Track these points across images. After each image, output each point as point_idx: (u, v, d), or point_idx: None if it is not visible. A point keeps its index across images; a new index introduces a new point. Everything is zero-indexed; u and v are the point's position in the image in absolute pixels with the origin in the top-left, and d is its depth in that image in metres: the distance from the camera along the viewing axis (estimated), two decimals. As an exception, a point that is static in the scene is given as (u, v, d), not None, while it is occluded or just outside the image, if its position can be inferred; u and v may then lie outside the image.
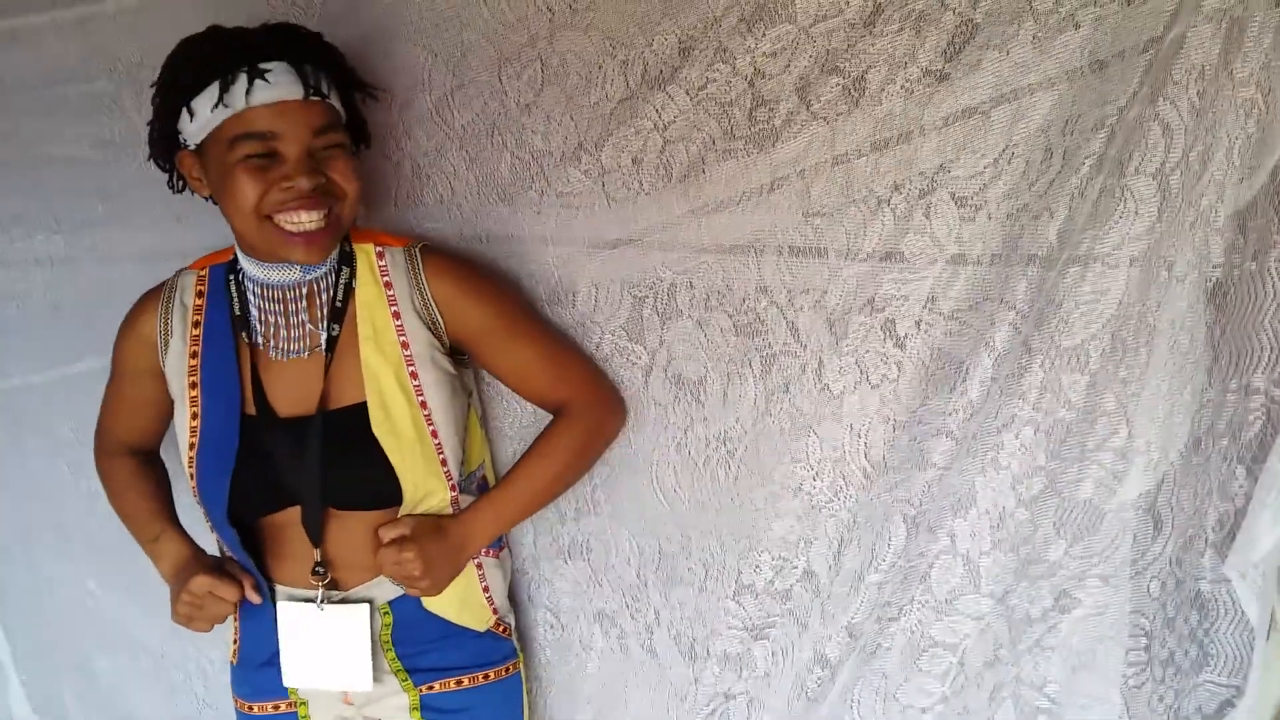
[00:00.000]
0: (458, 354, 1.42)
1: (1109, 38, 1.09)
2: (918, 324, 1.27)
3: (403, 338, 1.34)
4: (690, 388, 1.44)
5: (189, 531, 1.52)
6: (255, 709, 1.51)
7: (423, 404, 1.34)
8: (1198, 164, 1.05)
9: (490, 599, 1.50)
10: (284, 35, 1.25)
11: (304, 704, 1.49)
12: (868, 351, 1.30)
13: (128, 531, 1.54)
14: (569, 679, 1.69)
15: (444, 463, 1.37)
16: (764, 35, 1.24)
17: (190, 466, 1.37)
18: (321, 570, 1.38)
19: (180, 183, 1.37)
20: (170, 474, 1.60)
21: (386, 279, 1.35)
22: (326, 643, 1.40)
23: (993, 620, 1.30)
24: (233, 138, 1.21)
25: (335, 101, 1.28)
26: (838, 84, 1.22)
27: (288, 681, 1.43)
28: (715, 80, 1.28)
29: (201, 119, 1.23)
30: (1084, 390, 1.17)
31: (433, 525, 1.38)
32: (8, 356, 1.86)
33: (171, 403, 1.42)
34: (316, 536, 1.36)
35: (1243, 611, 1.09)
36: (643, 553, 1.56)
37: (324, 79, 1.25)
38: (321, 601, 1.38)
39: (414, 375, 1.34)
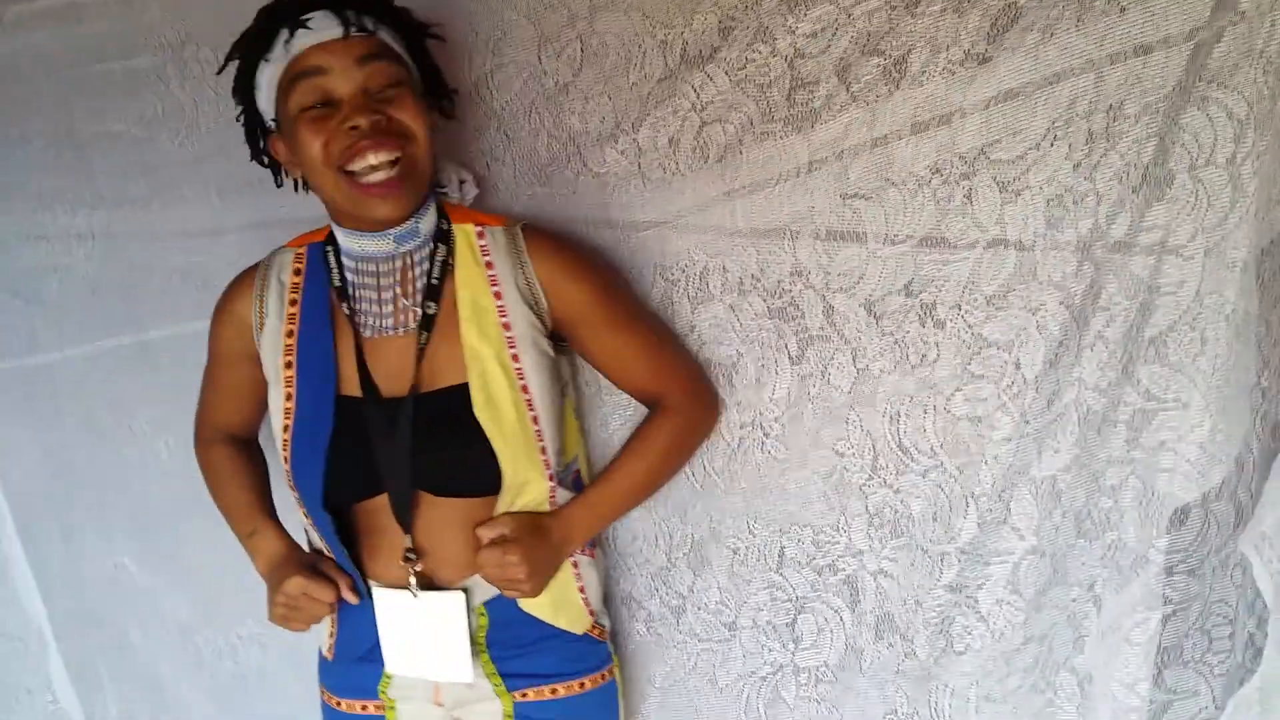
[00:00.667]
0: (557, 339, 1.38)
1: (1153, 23, 1.08)
2: (958, 307, 1.26)
3: (504, 319, 1.29)
4: (723, 372, 1.44)
5: (288, 526, 1.49)
6: (343, 705, 1.47)
7: (524, 387, 1.29)
8: (1268, 154, 1.05)
9: (586, 600, 1.45)
10: None
11: (392, 707, 1.45)
12: (906, 334, 1.30)
13: (226, 524, 1.52)
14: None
15: (543, 450, 1.32)
16: (804, 15, 1.24)
17: (285, 450, 1.33)
18: (412, 556, 1.33)
19: (282, 172, 1.36)
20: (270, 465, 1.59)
21: (488, 258, 1.31)
22: (424, 631, 1.36)
23: (1073, 604, 1.31)
24: (286, 85, 1.20)
25: (392, 43, 1.24)
26: (878, 65, 1.22)
27: (390, 668, 1.40)
28: (754, 61, 1.28)
29: (263, 87, 1.23)
30: (1164, 381, 1.17)
31: (532, 523, 1.34)
32: (46, 330, 1.87)
33: (266, 386, 1.40)
34: (406, 522, 1.32)
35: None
36: (671, 537, 1.57)
37: (370, 19, 1.21)
38: (414, 589, 1.33)
39: (515, 358, 1.29)
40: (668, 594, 1.59)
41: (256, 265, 1.41)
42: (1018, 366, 1.25)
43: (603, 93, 1.39)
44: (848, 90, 1.24)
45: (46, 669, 2.13)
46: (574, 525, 1.38)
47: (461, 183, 1.43)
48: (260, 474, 1.54)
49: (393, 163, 1.20)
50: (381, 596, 1.36)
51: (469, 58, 1.48)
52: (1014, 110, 1.17)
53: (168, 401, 1.85)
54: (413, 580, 1.34)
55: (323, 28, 1.18)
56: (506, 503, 1.33)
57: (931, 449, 1.34)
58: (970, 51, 1.17)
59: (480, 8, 1.45)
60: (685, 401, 1.41)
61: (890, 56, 1.21)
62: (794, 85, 1.27)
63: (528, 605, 1.38)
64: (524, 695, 1.41)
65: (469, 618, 1.36)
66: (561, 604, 1.41)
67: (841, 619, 1.48)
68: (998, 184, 1.20)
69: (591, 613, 1.46)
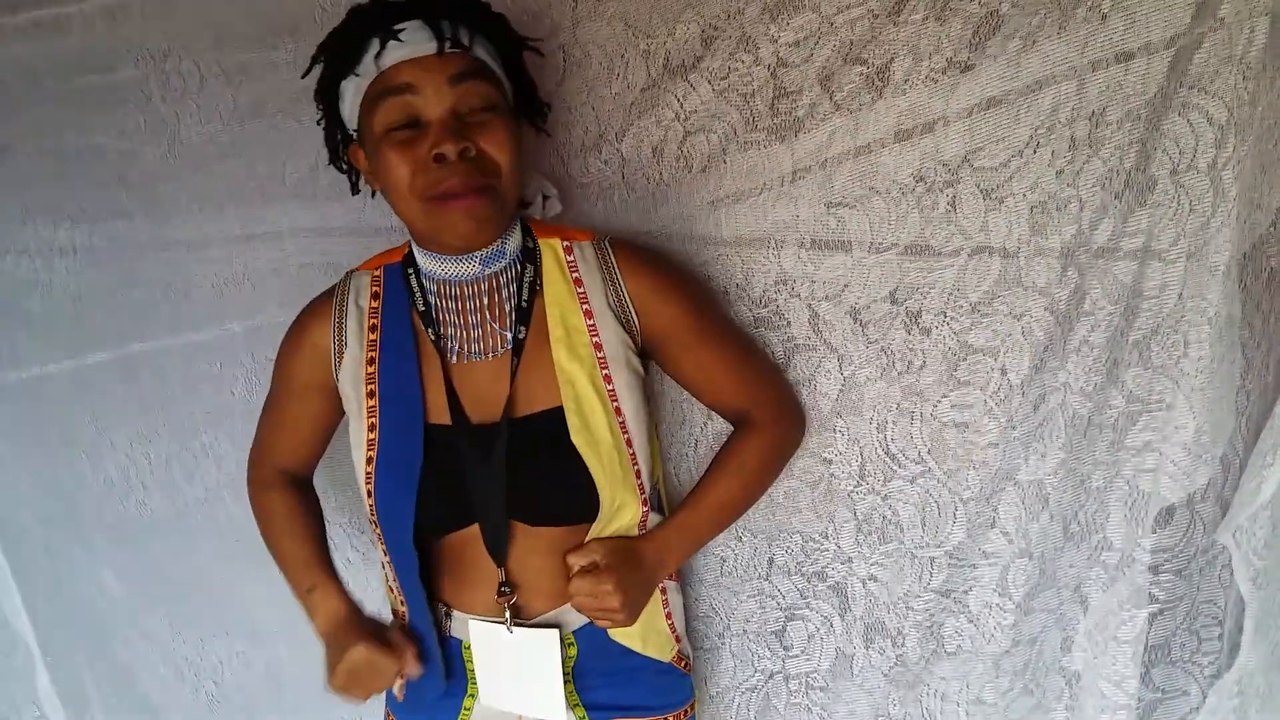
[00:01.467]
0: (643, 356, 1.31)
1: (1134, 30, 1.09)
2: (943, 314, 1.27)
3: (596, 338, 1.24)
4: (710, 380, 1.44)
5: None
6: None
7: (617, 409, 1.24)
8: (1248, 159, 1.06)
9: (672, 625, 1.40)
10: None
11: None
12: (892, 342, 1.31)
13: (282, 576, 1.43)
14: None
15: (638, 474, 1.26)
16: (787, 25, 1.24)
17: (368, 483, 1.26)
18: (508, 590, 1.28)
19: (359, 180, 1.31)
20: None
21: (576, 275, 1.25)
22: (517, 667, 1.31)
23: (1061, 607, 1.31)
24: (373, 99, 1.14)
25: (488, 58, 1.17)
26: (861, 74, 1.22)
27: (484, 700, 1.34)
28: (737, 70, 1.28)
29: (348, 98, 1.17)
30: (1148, 384, 1.17)
31: (625, 549, 1.28)
32: (29, 346, 1.86)
33: (335, 421, 1.36)
34: (501, 555, 1.26)
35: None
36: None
37: (465, 32, 1.14)
38: (510, 624, 1.28)
39: (608, 378, 1.23)
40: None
41: (332, 290, 1.34)
42: (1004, 372, 1.26)
43: (586, 102, 1.39)
44: (831, 99, 1.25)
45: (33, 685, 2.12)
46: (668, 549, 1.33)
47: (546, 199, 1.38)
48: (318, 523, 1.46)
49: (479, 192, 1.14)
50: (477, 631, 1.30)
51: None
52: (997, 118, 1.17)
53: (151, 416, 1.85)
54: (508, 615, 1.28)
55: (415, 41, 1.12)
56: (600, 528, 1.27)
57: (919, 455, 1.35)
58: (953, 59, 1.18)
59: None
60: (774, 418, 1.35)
61: (873, 65, 1.22)
62: (777, 94, 1.28)
63: (617, 634, 1.33)
64: None
65: (561, 650, 1.30)
66: (650, 632, 1.36)
67: (831, 625, 1.48)
68: (981, 191, 1.20)
69: (678, 639, 1.41)
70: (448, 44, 1.12)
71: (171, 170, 1.63)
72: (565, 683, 1.32)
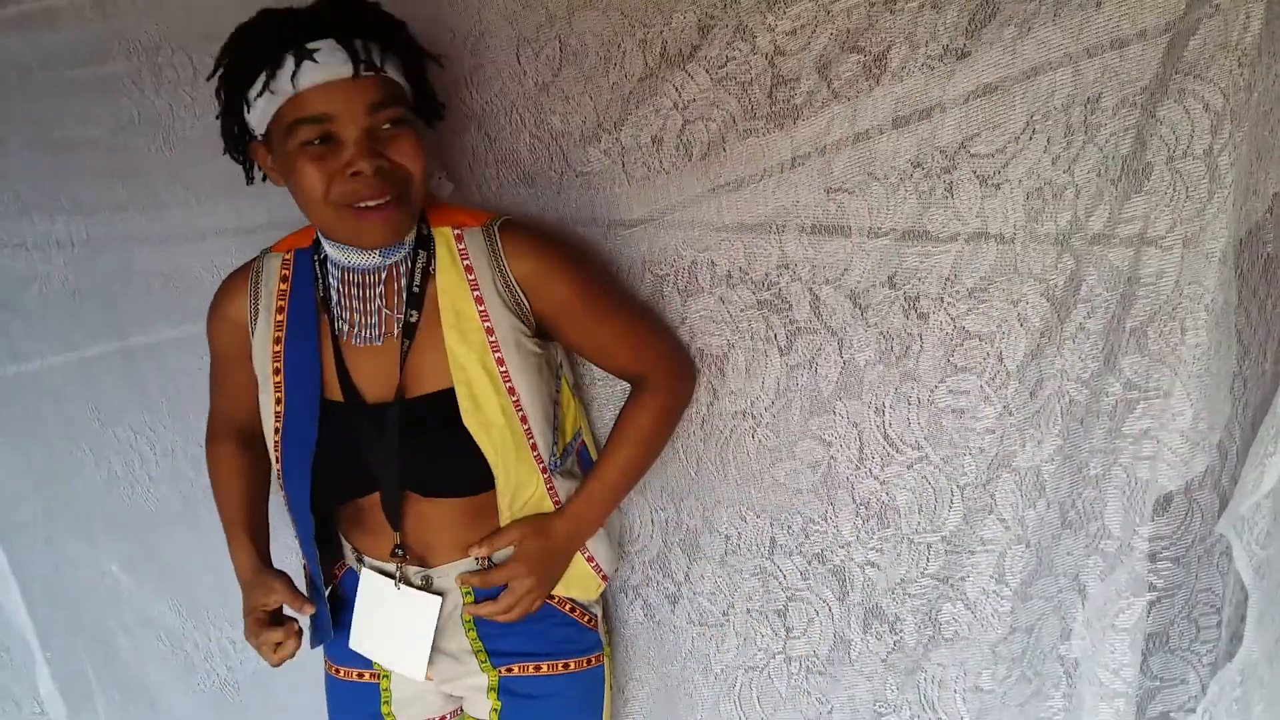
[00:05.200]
0: (542, 329, 1.38)
1: (1129, 16, 1.09)
2: (940, 299, 1.27)
3: (487, 323, 1.30)
4: (714, 362, 1.45)
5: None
6: (341, 673, 1.53)
7: (510, 390, 1.30)
8: (1245, 145, 1.06)
9: (596, 566, 1.48)
10: (333, 10, 1.18)
11: (386, 676, 1.50)
12: (890, 326, 1.31)
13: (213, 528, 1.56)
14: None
15: (534, 447, 1.34)
16: (784, 13, 1.24)
17: (275, 451, 1.36)
18: (401, 552, 1.38)
19: (257, 174, 1.34)
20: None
21: (467, 262, 1.30)
22: (395, 622, 1.41)
23: (1060, 595, 1.32)
24: (289, 124, 1.17)
25: (395, 74, 1.22)
26: (858, 61, 1.22)
27: (353, 645, 1.44)
28: (735, 58, 1.28)
29: (258, 108, 1.19)
30: (1145, 371, 1.18)
31: (537, 531, 1.39)
32: (28, 339, 1.86)
33: None
34: (396, 521, 1.36)
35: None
36: (666, 525, 1.58)
37: (377, 52, 1.18)
38: (399, 581, 1.39)
39: (500, 361, 1.30)
40: (664, 581, 1.61)
41: (247, 267, 1.41)
42: (1000, 358, 1.26)
43: (583, 92, 1.39)
44: (829, 86, 1.25)
45: (33, 679, 2.12)
46: (581, 522, 1.42)
47: (439, 179, 1.44)
48: (253, 478, 1.54)
49: (388, 201, 1.20)
50: (367, 579, 1.41)
51: (447, 58, 1.47)
52: (993, 104, 1.17)
53: (150, 407, 1.85)
54: (397, 574, 1.39)
55: (331, 63, 1.14)
56: (505, 504, 1.36)
57: (916, 440, 1.35)
58: (949, 46, 1.18)
59: (458, 8, 1.45)
60: (666, 378, 1.42)
61: (870, 53, 1.22)
62: (775, 82, 1.28)
63: None
64: (509, 670, 1.45)
65: (445, 602, 1.40)
66: (570, 578, 1.46)
67: (830, 610, 1.49)
68: (978, 177, 1.21)
69: (604, 578, 1.49)
70: (363, 67, 1.15)
71: (166, 162, 1.64)
72: (468, 630, 1.44)
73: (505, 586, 1.39)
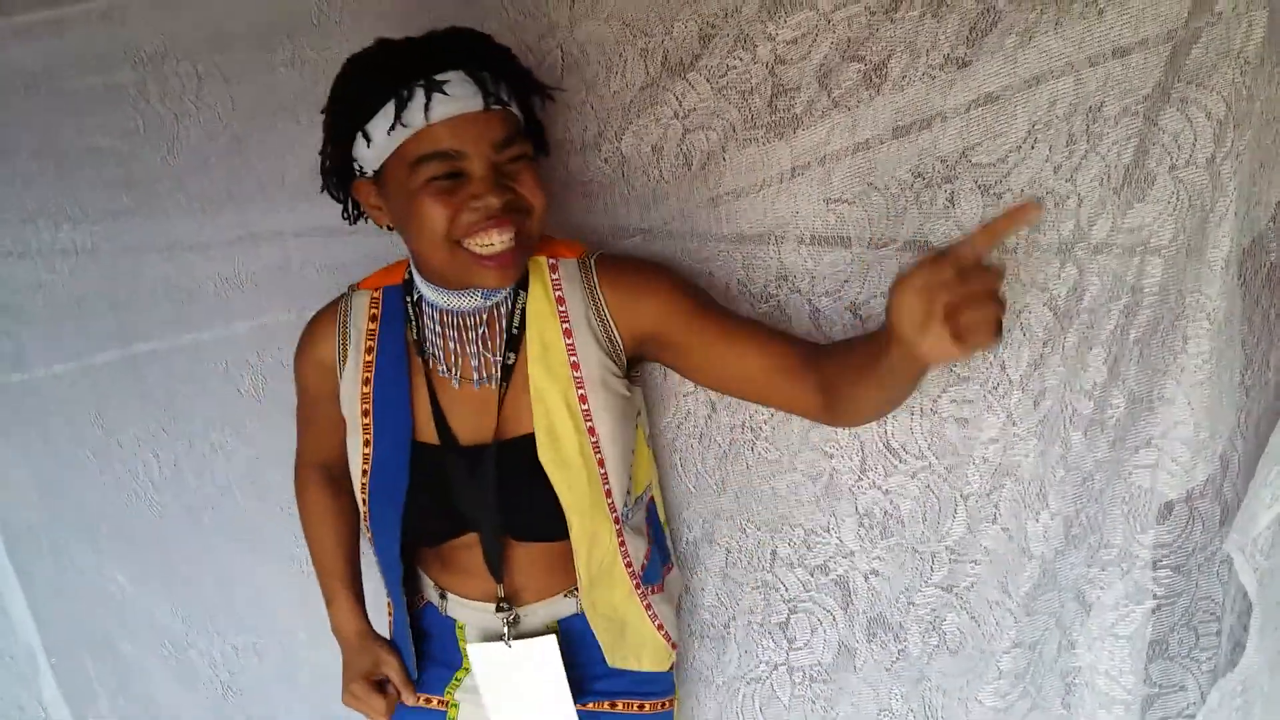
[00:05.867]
0: (634, 372, 1.33)
1: (1131, 25, 1.09)
2: (941, 310, 1.27)
3: (574, 358, 1.24)
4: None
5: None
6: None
7: (590, 429, 1.24)
8: (1247, 153, 1.06)
9: (666, 635, 1.42)
10: (457, 42, 1.14)
11: (455, 705, 1.45)
12: (890, 338, 1.30)
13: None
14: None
15: (609, 493, 1.27)
16: (784, 22, 1.24)
17: (363, 494, 1.32)
18: (507, 606, 1.34)
19: (356, 212, 1.30)
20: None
21: (559, 293, 1.25)
22: (523, 678, 1.36)
23: (1062, 609, 1.31)
24: (415, 160, 1.11)
25: (515, 108, 1.18)
26: (859, 71, 1.22)
27: (493, 717, 1.41)
28: (735, 68, 1.28)
29: (379, 143, 1.13)
30: (1148, 380, 1.17)
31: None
32: (33, 347, 1.87)
33: None
34: (498, 571, 1.31)
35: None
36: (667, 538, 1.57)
37: (503, 86, 1.14)
38: (508, 639, 1.34)
39: (583, 399, 1.24)
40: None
41: (334, 306, 1.37)
42: (1003, 368, 1.26)
43: (585, 101, 1.38)
44: (829, 96, 1.24)
45: (38, 686, 2.13)
46: None
47: None
48: (348, 526, 1.52)
49: (512, 236, 1.14)
50: (476, 653, 1.37)
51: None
52: (994, 113, 1.17)
53: (156, 416, 1.85)
54: (506, 631, 1.34)
55: (460, 95, 1.10)
56: (583, 555, 1.29)
57: (920, 450, 1.35)
58: (950, 56, 1.17)
59: (460, 17, 1.44)
60: (811, 349, 1.21)
61: (870, 62, 1.21)
62: (775, 92, 1.27)
63: (612, 658, 1.39)
64: (584, 705, 1.41)
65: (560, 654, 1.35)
66: (642, 647, 1.41)
67: (834, 619, 1.49)
68: (979, 187, 1.20)
69: (673, 645, 1.43)
70: (492, 100, 1.12)
71: (171, 171, 1.64)
72: None
73: (588, 623, 1.37)
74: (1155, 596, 1.24)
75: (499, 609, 1.34)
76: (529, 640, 1.34)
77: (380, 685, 1.44)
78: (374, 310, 1.33)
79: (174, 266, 1.72)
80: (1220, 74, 1.05)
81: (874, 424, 1.36)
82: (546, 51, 1.39)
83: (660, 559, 1.46)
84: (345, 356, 1.33)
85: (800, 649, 1.53)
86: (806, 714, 1.56)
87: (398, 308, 1.32)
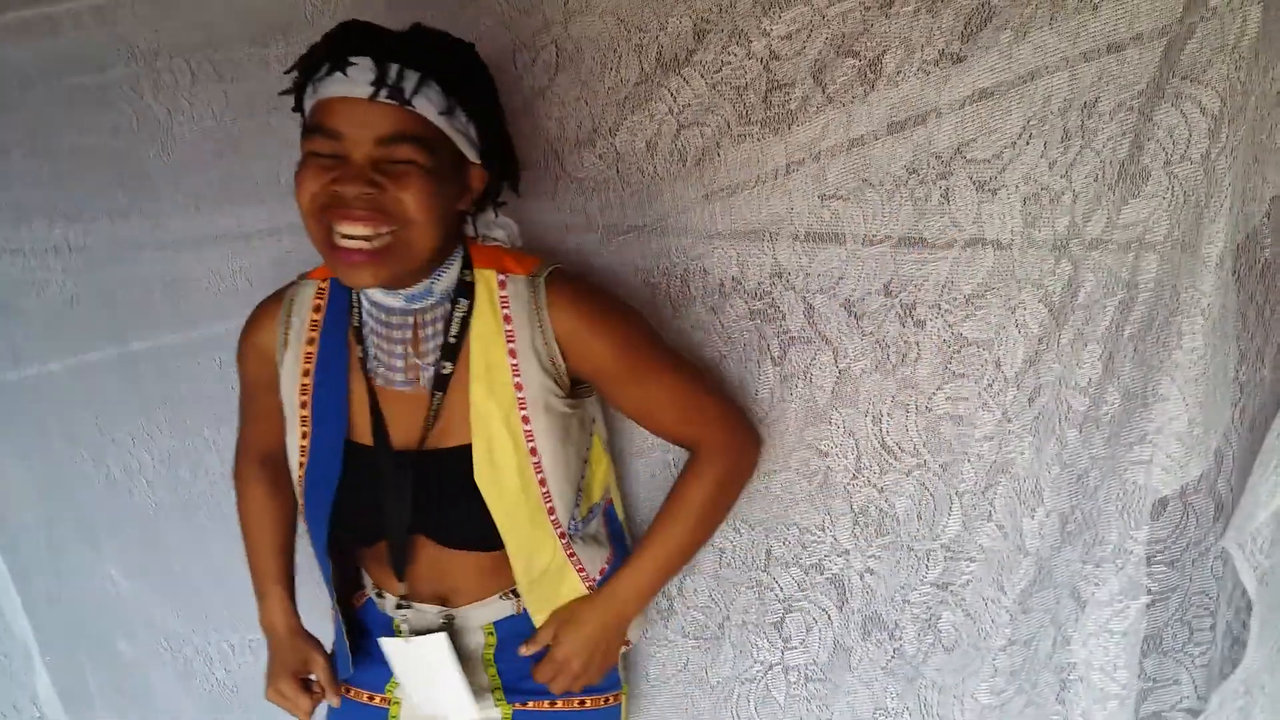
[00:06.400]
0: (579, 385, 1.31)
1: (1126, 20, 1.09)
2: (937, 306, 1.27)
3: (517, 378, 1.22)
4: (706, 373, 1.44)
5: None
6: (351, 693, 1.49)
7: (532, 450, 1.24)
8: (1242, 148, 1.05)
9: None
10: (403, 35, 1.13)
11: (397, 703, 1.46)
12: (886, 334, 1.30)
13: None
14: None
15: (551, 511, 1.28)
16: (779, 18, 1.24)
17: (299, 486, 1.32)
18: (406, 605, 1.36)
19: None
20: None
21: (506, 311, 1.23)
22: (424, 673, 1.37)
23: (1058, 606, 1.31)
24: (308, 128, 1.12)
25: (427, 106, 1.11)
26: (853, 66, 1.22)
27: (407, 710, 1.43)
28: (730, 63, 1.28)
29: (306, 103, 1.15)
30: (1143, 376, 1.17)
31: (573, 618, 1.35)
32: (28, 345, 1.87)
33: None
34: (401, 572, 1.33)
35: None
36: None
37: (414, 83, 1.09)
38: (406, 634, 1.36)
39: (526, 420, 1.23)
40: (657, 595, 1.59)
41: (280, 294, 1.36)
42: (998, 365, 1.26)
43: (579, 97, 1.38)
44: (823, 91, 1.24)
45: (33, 685, 2.13)
46: (622, 603, 1.37)
47: (493, 221, 1.35)
48: (285, 523, 1.51)
49: (375, 236, 1.11)
50: (386, 645, 1.37)
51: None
52: (989, 109, 1.17)
53: (151, 413, 1.85)
54: (404, 627, 1.37)
55: (357, 80, 1.08)
56: (521, 569, 1.31)
57: (914, 448, 1.35)
58: (944, 51, 1.17)
59: (454, 14, 1.44)
60: (722, 447, 1.34)
61: (865, 57, 1.21)
62: (770, 87, 1.27)
63: (538, 623, 1.39)
64: (523, 705, 1.42)
65: (460, 639, 1.36)
66: None
67: (829, 618, 1.49)
68: (974, 183, 1.20)
69: (627, 642, 1.44)
70: (383, 92, 1.08)
71: (166, 168, 1.63)
72: (488, 667, 1.40)
73: (523, 623, 1.39)
74: (1150, 592, 1.24)
75: (397, 608, 1.36)
76: (421, 637, 1.34)
77: (307, 684, 1.44)
78: (319, 301, 1.31)
79: (169, 264, 1.72)
80: (1215, 69, 1.05)
81: (869, 422, 1.36)
82: (541, 47, 1.39)
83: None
84: (286, 346, 1.32)
85: (795, 648, 1.52)
86: (802, 714, 1.56)
87: (343, 300, 1.30)
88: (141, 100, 1.61)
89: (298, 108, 1.19)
